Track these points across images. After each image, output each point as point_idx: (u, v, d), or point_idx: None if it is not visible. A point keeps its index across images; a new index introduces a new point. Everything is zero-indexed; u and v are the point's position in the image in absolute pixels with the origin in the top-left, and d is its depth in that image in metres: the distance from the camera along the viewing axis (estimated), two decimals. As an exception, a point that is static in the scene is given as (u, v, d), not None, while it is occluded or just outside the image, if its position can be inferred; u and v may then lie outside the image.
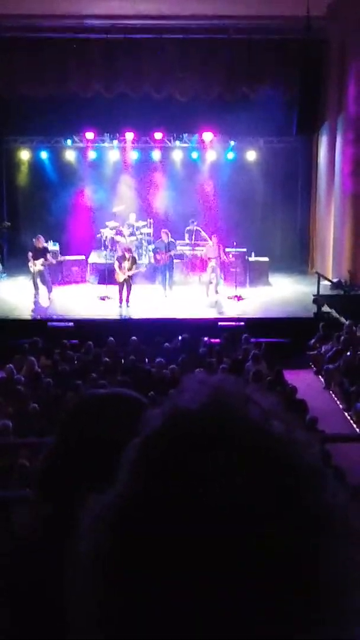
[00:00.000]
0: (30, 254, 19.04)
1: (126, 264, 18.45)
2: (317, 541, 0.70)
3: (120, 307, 18.47)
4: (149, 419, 0.78)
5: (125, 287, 18.50)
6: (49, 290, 19.17)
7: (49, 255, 19.19)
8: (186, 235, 21.38)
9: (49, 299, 19.10)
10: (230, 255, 20.05)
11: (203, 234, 21.11)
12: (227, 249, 20.05)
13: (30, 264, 18.92)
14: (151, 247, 21.09)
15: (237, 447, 0.72)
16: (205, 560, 0.67)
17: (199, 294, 19.59)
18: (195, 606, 0.66)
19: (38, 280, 19.06)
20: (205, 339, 15.80)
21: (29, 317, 18.15)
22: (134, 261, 18.72)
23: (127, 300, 18.53)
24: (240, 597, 0.66)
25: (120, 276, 18.49)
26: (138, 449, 0.76)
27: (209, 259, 19.84)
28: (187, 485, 0.70)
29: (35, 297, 19.14)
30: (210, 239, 20.28)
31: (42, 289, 19.17)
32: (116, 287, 18.67)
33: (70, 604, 0.75)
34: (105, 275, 19.54)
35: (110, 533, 0.71)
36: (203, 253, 20.41)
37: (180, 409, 0.77)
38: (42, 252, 19.06)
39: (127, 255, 18.64)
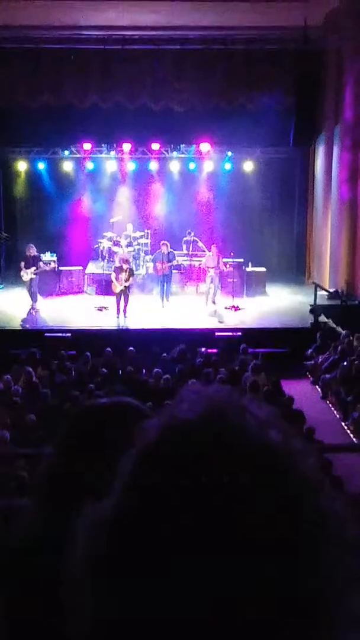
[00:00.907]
0: (22, 263, 19.04)
1: (123, 275, 18.42)
2: (316, 549, 0.70)
3: (118, 317, 18.43)
4: (145, 429, 0.78)
5: (122, 297, 18.48)
6: (34, 300, 19.12)
7: (41, 263, 19.17)
8: (184, 246, 21.43)
9: (35, 308, 19.07)
10: (228, 265, 20.05)
11: (200, 244, 21.13)
12: (224, 259, 20.05)
13: (22, 272, 18.92)
14: (149, 257, 21.11)
15: (235, 457, 0.72)
16: (203, 568, 0.67)
17: (196, 305, 19.58)
18: (192, 611, 0.66)
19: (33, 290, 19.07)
20: (202, 349, 15.79)
21: (26, 328, 18.11)
22: (131, 272, 18.71)
23: (125, 311, 18.50)
24: (238, 603, 0.66)
25: (117, 287, 18.47)
26: (135, 458, 0.76)
27: (208, 268, 19.82)
28: (185, 494, 0.70)
29: (32, 307, 19.13)
30: (210, 249, 20.27)
31: (39, 298, 19.17)
32: (113, 298, 18.66)
33: (67, 608, 0.75)
34: (103, 286, 19.54)
35: (108, 541, 0.72)
36: (202, 263, 20.41)
37: (177, 419, 0.77)
38: (33, 261, 19.05)
39: (124, 266, 18.64)
